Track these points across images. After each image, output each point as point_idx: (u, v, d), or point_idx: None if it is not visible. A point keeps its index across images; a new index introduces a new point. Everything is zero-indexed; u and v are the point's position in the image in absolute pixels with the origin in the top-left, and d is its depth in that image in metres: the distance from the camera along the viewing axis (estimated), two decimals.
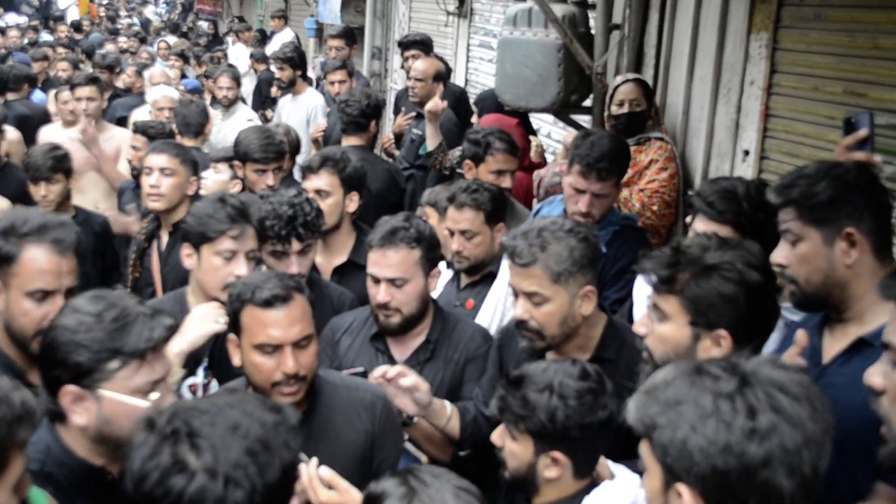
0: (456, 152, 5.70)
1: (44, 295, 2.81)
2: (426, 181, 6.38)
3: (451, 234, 4.03)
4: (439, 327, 3.47)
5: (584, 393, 2.47)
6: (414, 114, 6.92)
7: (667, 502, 1.67)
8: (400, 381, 3.05)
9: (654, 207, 4.86)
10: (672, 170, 4.97)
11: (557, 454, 2.47)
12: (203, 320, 3.29)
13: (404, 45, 7.89)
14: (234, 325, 2.84)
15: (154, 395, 2.31)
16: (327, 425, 2.87)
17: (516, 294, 3.01)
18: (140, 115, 7.85)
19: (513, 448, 2.54)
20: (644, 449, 1.72)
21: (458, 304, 4.00)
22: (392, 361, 3.41)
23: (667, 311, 2.47)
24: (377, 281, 3.36)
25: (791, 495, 1.61)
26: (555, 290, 2.93)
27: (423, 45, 7.69)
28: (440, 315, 3.51)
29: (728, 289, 2.39)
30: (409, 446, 3.22)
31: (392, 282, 3.33)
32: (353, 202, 4.35)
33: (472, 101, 7.97)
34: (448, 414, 3.21)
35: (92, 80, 7.18)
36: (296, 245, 3.76)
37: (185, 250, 3.56)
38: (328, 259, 4.26)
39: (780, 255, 2.61)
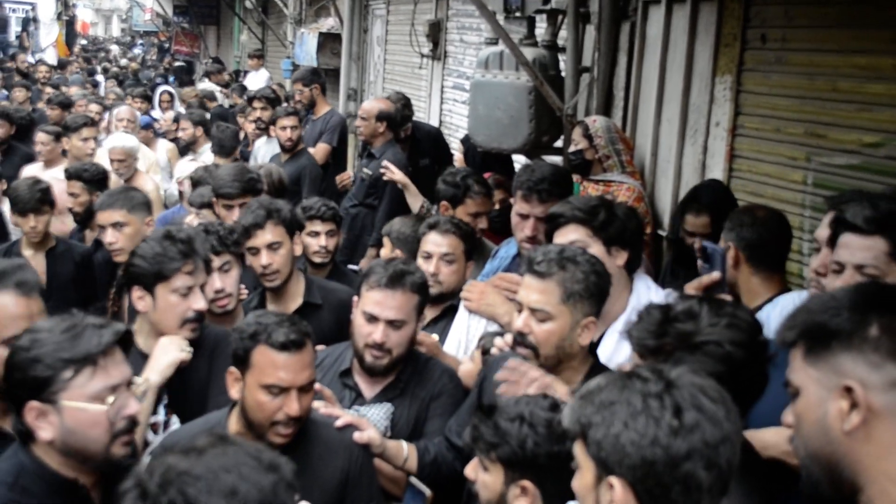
0: None
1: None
2: (374, 219, 6.51)
3: (428, 258, 4.08)
4: (411, 367, 3.49)
5: (554, 423, 2.54)
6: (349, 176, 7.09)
7: (598, 497, 1.82)
8: (354, 436, 3.06)
9: None
10: (642, 209, 5.06)
11: (527, 483, 2.52)
12: (168, 349, 3.29)
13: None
14: (241, 361, 2.88)
15: (111, 399, 2.36)
16: (305, 460, 2.89)
17: (520, 308, 3.06)
18: (101, 157, 7.67)
19: (485, 479, 2.61)
20: (578, 448, 1.87)
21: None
22: (361, 398, 3.44)
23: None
24: (373, 320, 3.35)
25: (709, 487, 1.77)
26: (561, 311, 2.97)
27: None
28: (412, 355, 3.52)
29: (711, 367, 2.33)
30: (413, 480, 3.24)
31: (392, 323, 3.34)
32: (299, 246, 4.33)
33: (448, 140, 8.11)
34: (405, 455, 3.23)
35: (91, 122, 7.33)
36: (214, 261, 3.75)
37: (137, 293, 3.43)
38: (282, 306, 4.18)
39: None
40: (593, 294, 3.01)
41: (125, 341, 2.47)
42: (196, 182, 5.93)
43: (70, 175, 6.06)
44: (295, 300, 4.22)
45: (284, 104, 8.75)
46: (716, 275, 3.42)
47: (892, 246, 2.57)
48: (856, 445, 1.78)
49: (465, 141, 6.20)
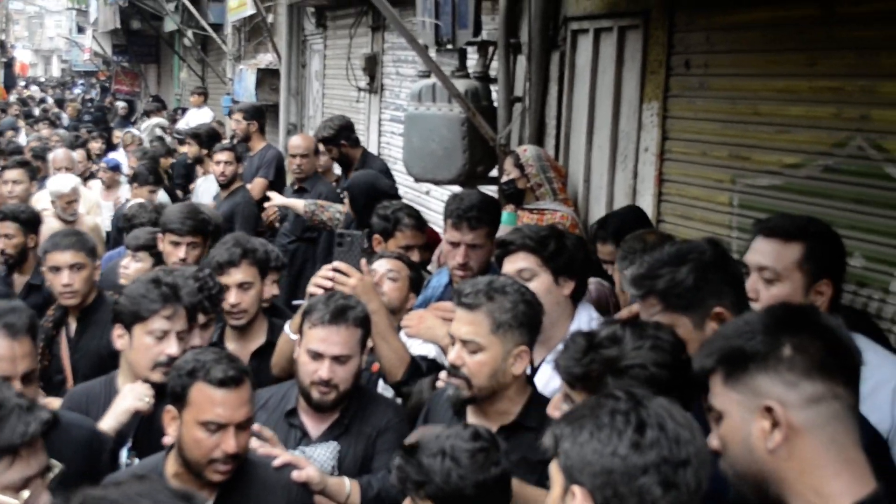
0: (335, 207, 6.06)
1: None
2: (315, 253, 6.47)
3: (373, 275, 4.10)
4: (355, 404, 3.47)
5: (476, 452, 2.54)
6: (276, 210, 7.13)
7: None
8: (293, 475, 3.03)
9: None
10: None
11: None
12: (127, 397, 3.32)
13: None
14: (178, 398, 2.86)
15: (25, 493, 2.23)
16: (243, 501, 2.89)
17: (453, 341, 3.06)
18: (39, 200, 7.59)
19: None
20: (553, 464, 1.91)
21: (363, 367, 4.04)
22: (307, 437, 3.41)
23: (577, 403, 2.49)
24: (318, 357, 3.33)
25: None
26: (491, 341, 2.97)
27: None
28: (357, 391, 3.51)
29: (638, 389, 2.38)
30: None
31: (337, 359, 3.32)
32: (268, 287, 4.33)
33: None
34: (347, 491, 3.20)
35: (20, 164, 7.18)
36: (200, 318, 3.78)
37: (117, 331, 3.50)
38: (244, 345, 4.18)
39: None
40: (523, 323, 3.02)
41: (50, 427, 2.35)
42: (130, 222, 5.85)
43: (5, 216, 5.93)
44: (257, 339, 4.22)
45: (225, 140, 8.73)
46: (635, 307, 3.42)
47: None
48: (780, 463, 1.84)
49: (350, 188, 6.04)
